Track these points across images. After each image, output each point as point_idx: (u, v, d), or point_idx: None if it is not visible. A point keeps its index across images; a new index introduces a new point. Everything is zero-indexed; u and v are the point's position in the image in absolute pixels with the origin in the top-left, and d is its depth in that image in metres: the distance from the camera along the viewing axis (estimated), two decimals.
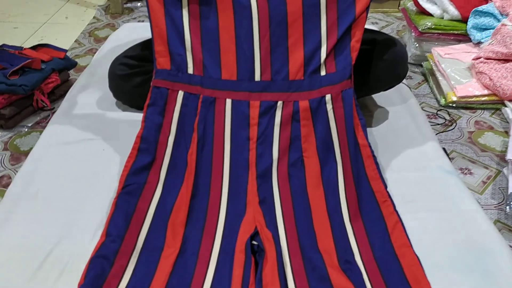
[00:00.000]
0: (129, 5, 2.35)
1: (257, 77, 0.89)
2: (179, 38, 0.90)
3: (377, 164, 0.89)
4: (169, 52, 0.90)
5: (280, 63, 0.89)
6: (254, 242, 0.79)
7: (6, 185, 1.14)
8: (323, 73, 0.89)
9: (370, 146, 0.89)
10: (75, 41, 1.95)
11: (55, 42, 1.85)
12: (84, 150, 1.07)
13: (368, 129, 1.13)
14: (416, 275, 0.74)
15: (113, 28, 2.10)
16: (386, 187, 0.87)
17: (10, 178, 1.17)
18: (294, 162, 0.87)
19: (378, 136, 1.12)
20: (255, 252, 0.78)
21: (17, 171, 1.17)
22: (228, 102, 0.89)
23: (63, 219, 0.89)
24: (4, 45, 1.48)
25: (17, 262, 0.80)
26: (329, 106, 0.88)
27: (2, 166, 1.21)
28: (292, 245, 0.79)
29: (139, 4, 2.38)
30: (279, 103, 0.89)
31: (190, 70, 0.90)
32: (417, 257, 0.77)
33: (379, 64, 1.07)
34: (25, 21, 2.15)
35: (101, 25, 2.13)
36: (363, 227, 0.81)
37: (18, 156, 1.24)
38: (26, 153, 1.23)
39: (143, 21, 2.19)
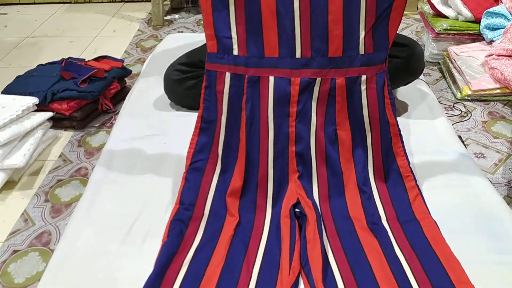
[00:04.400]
0: (168, 17, 2.58)
1: (298, 54, 0.93)
2: (224, 21, 0.95)
3: (402, 142, 1.00)
4: (215, 35, 0.95)
5: (320, 39, 0.92)
6: (297, 210, 0.97)
7: (84, 175, 1.35)
8: (361, 51, 0.93)
9: (398, 125, 0.99)
10: (125, 51, 2.18)
11: (107, 53, 2.08)
12: (148, 144, 1.25)
13: None
14: (434, 235, 0.89)
15: (157, 38, 2.32)
16: (409, 163, 1.00)
17: (87, 169, 1.38)
18: (329, 135, 0.98)
19: (399, 124, 1.27)
20: (298, 217, 0.96)
21: (92, 164, 1.39)
22: (271, 79, 0.94)
23: (139, 198, 1.07)
24: (70, 57, 1.72)
25: (109, 230, 0.99)
26: (363, 87, 0.96)
27: (79, 159, 1.43)
28: (325, 213, 0.96)
29: (177, 16, 2.60)
30: (318, 79, 0.94)
31: (235, 52, 0.95)
32: (435, 221, 0.91)
33: (398, 61, 1.23)
34: (78, 35, 2.40)
35: (145, 37, 2.36)
36: (388, 197, 0.97)
37: (91, 151, 1.46)
38: (97, 149, 1.45)
39: (182, 31, 2.41)
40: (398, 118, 1.29)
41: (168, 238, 0.90)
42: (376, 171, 0.99)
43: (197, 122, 1.03)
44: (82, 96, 1.51)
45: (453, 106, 1.61)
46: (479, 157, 1.36)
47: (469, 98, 1.62)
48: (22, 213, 1.21)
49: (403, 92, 1.43)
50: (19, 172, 1.34)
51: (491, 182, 1.10)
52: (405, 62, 1.24)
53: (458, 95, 1.64)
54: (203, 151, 1.02)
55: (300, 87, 0.95)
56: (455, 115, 1.56)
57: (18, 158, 1.28)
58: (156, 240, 0.94)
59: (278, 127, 0.97)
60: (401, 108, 1.38)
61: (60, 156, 1.45)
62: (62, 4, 2.86)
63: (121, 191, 1.10)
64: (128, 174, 1.15)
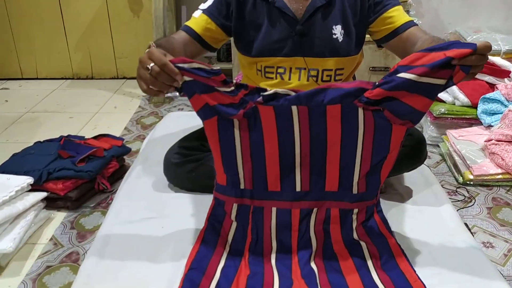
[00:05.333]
0: (169, 94, 2.62)
1: (298, 188, 1.03)
2: (232, 161, 1.03)
3: (403, 251, 1.02)
4: (224, 172, 1.05)
5: (318, 177, 1.02)
6: None
7: (75, 261, 1.28)
8: (355, 191, 1.02)
9: (395, 238, 1.04)
10: (125, 128, 2.19)
11: (107, 130, 2.09)
12: (145, 228, 1.21)
13: (395, 206, 1.26)
14: None
15: (157, 115, 2.34)
16: (414, 270, 0.99)
17: (78, 254, 1.31)
18: (328, 257, 1.02)
19: (404, 213, 1.24)
20: None
21: (84, 248, 1.32)
22: (274, 210, 1.04)
23: None
24: (69, 135, 1.71)
25: None
26: (354, 217, 1.04)
27: (70, 243, 1.36)
28: None
29: (177, 93, 2.64)
30: (315, 209, 1.04)
31: (242, 186, 1.04)
32: None
33: (401, 150, 1.22)
34: (79, 111, 2.42)
35: (146, 114, 2.38)
36: None
37: (84, 234, 1.40)
38: (90, 231, 1.38)
39: (182, 109, 2.43)
40: (403, 205, 1.29)
41: None
42: (384, 283, 0.97)
43: (198, 237, 1.07)
44: (78, 175, 1.48)
45: (456, 191, 1.59)
46: (488, 247, 1.31)
47: (472, 183, 1.61)
48: None
49: (406, 177, 1.42)
50: (7, 257, 1.26)
51: (502, 275, 1.05)
52: (409, 150, 1.26)
53: (460, 180, 1.63)
54: (202, 261, 1.02)
55: (300, 217, 1.04)
56: (459, 201, 1.54)
57: (7, 243, 1.21)
58: None
59: (281, 256, 1.03)
60: (405, 194, 1.36)
61: (51, 239, 1.38)
62: (64, 80, 2.91)
63: (113, 281, 1.04)
64: (122, 261, 1.09)
